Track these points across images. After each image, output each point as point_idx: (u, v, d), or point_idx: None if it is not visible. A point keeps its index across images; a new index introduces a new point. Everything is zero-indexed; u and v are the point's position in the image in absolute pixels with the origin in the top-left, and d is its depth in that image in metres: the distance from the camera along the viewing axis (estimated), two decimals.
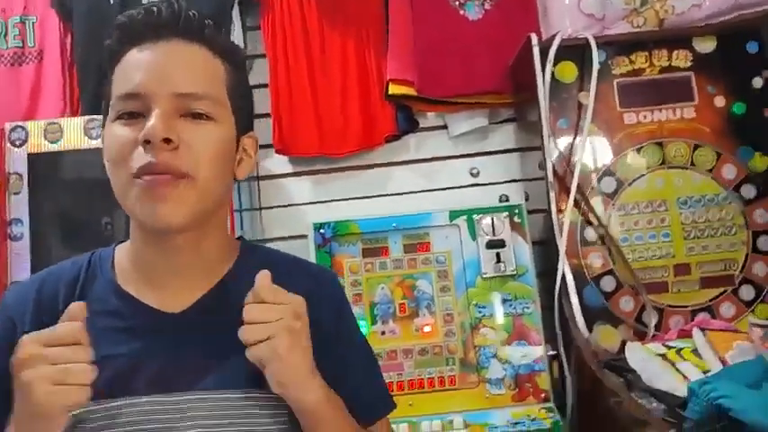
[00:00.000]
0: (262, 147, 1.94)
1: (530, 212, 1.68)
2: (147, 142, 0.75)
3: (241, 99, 0.86)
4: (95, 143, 1.57)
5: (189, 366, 0.80)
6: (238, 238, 0.95)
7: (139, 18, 0.80)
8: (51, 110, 1.81)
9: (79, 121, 1.60)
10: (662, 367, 1.31)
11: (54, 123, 1.59)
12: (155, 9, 0.80)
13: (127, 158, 0.76)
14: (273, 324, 0.74)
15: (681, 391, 1.18)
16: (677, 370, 1.29)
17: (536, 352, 1.53)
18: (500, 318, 1.56)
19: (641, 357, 1.37)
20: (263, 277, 0.76)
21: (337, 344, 0.87)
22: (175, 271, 0.83)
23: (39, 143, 1.58)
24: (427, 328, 1.56)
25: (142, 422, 0.77)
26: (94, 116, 1.62)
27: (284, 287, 0.83)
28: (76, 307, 0.68)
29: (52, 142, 1.57)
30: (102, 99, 0.84)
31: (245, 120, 0.87)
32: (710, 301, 1.57)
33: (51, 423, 0.69)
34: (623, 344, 1.49)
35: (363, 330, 1.52)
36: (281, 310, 0.75)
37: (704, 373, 1.24)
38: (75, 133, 1.58)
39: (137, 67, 0.79)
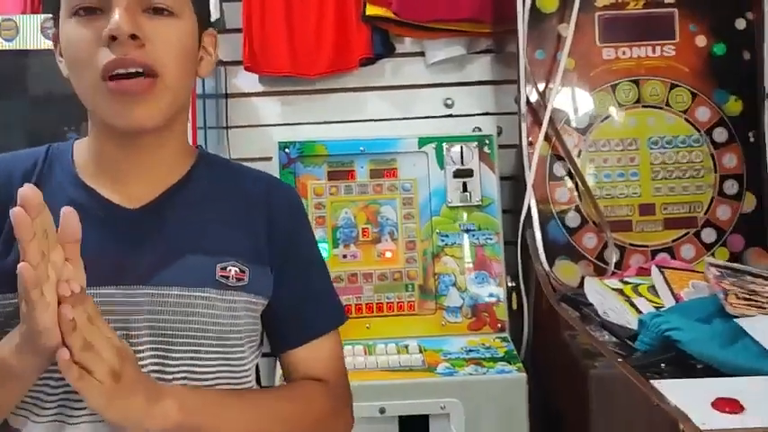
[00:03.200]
0: (231, 63, 1.91)
1: (501, 147, 1.66)
2: (112, 38, 0.72)
3: None
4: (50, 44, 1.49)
5: (144, 262, 0.79)
6: (197, 146, 0.94)
7: None
8: (9, 7, 1.71)
9: (36, 18, 1.52)
10: (617, 302, 1.32)
11: (9, 20, 1.51)
12: None
13: (92, 58, 0.73)
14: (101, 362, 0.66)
15: (634, 324, 1.19)
16: (632, 305, 1.30)
17: (495, 283, 1.53)
18: (462, 247, 1.55)
19: (598, 292, 1.38)
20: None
21: (294, 254, 0.88)
22: (136, 168, 0.82)
23: None
24: (389, 254, 1.55)
25: None
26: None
27: (238, 191, 0.85)
28: (30, 190, 0.63)
29: (6, 40, 1.49)
30: None
31: (204, 15, 0.85)
32: (672, 242, 1.58)
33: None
34: (583, 280, 1.50)
35: (324, 253, 1.52)
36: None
37: (658, 308, 1.25)
38: (31, 32, 1.50)
39: None
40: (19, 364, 0.68)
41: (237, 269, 0.82)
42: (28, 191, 0.63)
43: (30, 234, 0.62)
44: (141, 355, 0.77)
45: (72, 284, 0.65)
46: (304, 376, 0.89)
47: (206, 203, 0.84)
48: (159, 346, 0.78)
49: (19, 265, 0.62)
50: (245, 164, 0.97)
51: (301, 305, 0.88)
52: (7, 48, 1.49)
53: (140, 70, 0.74)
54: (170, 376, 0.78)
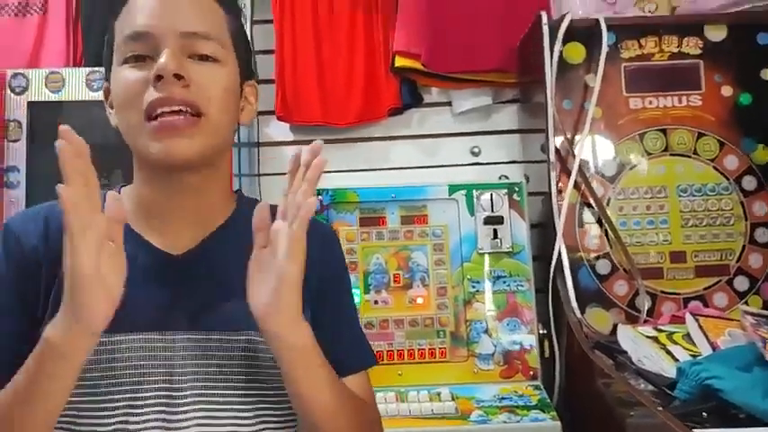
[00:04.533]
0: (264, 113, 1.96)
1: (529, 195, 1.67)
2: (158, 78, 0.76)
3: (243, 45, 0.88)
4: (96, 95, 1.55)
5: (188, 307, 0.80)
6: (236, 191, 0.96)
7: None
8: (54, 61, 1.79)
9: (82, 72, 1.59)
10: (652, 349, 1.31)
11: (56, 73, 1.58)
12: None
13: (138, 99, 0.77)
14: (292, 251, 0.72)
15: (670, 372, 1.18)
16: (668, 353, 1.29)
17: (527, 330, 1.53)
18: (493, 294, 1.55)
19: (632, 339, 1.37)
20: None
21: (328, 297, 0.89)
22: (180, 212, 0.84)
23: (39, 92, 1.56)
24: (420, 300, 1.56)
25: (137, 358, 0.78)
26: (97, 68, 1.60)
27: None
28: (66, 130, 0.68)
29: (53, 92, 1.56)
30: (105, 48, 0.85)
31: (247, 66, 0.89)
32: (704, 289, 1.57)
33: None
34: (615, 327, 1.49)
35: (356, 299, 1.53)
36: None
37: (694, 356, 1.24)
38: (76, 84, 1.57)
39: (142, 8, 0.80)
40: (66, 342, 0.68)
41: None
42: (64, 130, 0.67)
43: (72, 157, 0.66)
44: (185, 400, 0.78)
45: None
46: None
47: (248, 247, 0.84)
48: (203, 391, 0.79)
49: (59, 188, 0.65)
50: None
51: (333, 346, 0.87)
52: (54, 99, 1.56)
53: (184, 108, 0.77)
54: (215, 420, 0.79)
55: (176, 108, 0.76)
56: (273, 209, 0.80)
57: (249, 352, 0.81)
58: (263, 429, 0.82)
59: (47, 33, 1.84)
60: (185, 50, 0.79)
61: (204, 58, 0.80)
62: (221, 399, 0.80)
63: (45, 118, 1.56)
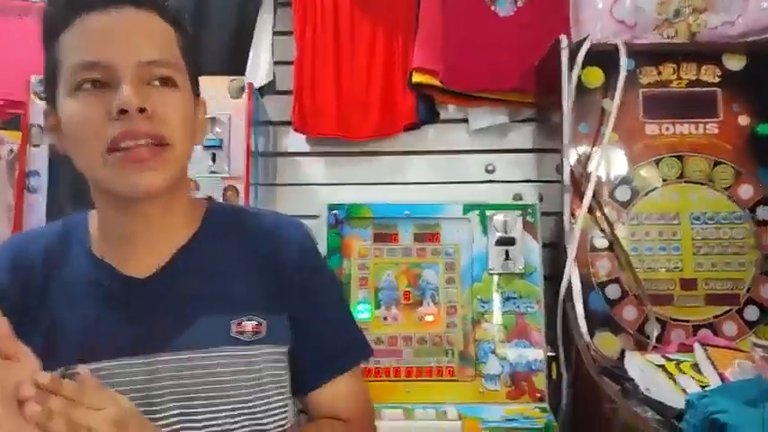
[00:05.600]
0: (281, 123, 1.98)
1: (542, 214, 1.68)
2: (122, 112, 0.74)
3: (193, 62, 0.87)
4: None
5: (158, 329, 0.81)
6: (207, 199, 0.95)
7: None
8: None
9: None
10: (660, 378, 1.31)
11: None
12: None
13: (99, 131, 0.75)
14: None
15: (677, 402, 1.18)
16: (675, 382, 1.29)
17: (535, 352, 1.54)
18: (503, 315, 1.56)
19: (640, 367, 1.38)
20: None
21: (307, 295, 0.89)
22: (143, 236, 0.84)
23: None
24: (429, 318, 1.57)
25: (115, 384, 0.77)
26: None
27: (246, 242, 0.87)
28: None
29: None
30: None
31: (196, 81, 0.88)
32: (714, 318, 1.57)
33: None
34: (623, 352, 1.49)
35: (367, 314, 1.54)
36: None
37: (702, 387, 1.24)
38: None
39: (94, 34, 0.77)
40: None
41: (254, 322, 0.83)
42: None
43: None
44: (167, 421, 0.78)
45: (23, 388, 0.62)
46: (327, 417, 0.89)
47: (216, 261, 0.86)
48: (183, 410, 0.79)
49: None
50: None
51: (318, 347, 0.88)
52: None
53: (150, 141, 0.76)
54: None
55: (141, 141, 0.75)
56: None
57: (225, 367, 0.82)
58: None
59: None
60: (144, 78, 0.77)
61: (163, 82, 0.79)
62: (203, 417, 0.80)
63: None
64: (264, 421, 0.84)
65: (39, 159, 1.57)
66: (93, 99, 0.76)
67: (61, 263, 0.83)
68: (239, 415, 0.82)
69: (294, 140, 2.00)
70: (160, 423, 0.77)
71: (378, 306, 1.58)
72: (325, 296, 0.93)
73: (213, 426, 0.80)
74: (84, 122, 0.76)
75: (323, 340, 0.89)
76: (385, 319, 1.57)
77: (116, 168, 0.75)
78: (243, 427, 0.82)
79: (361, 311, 1.54)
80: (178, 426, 0.79)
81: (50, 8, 0.81)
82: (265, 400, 0.84)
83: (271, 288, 0.87)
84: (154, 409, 0.78)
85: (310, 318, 0.88)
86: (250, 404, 0.82)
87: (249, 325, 0.83)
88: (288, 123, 1.96)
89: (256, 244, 0.88)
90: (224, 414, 0.81)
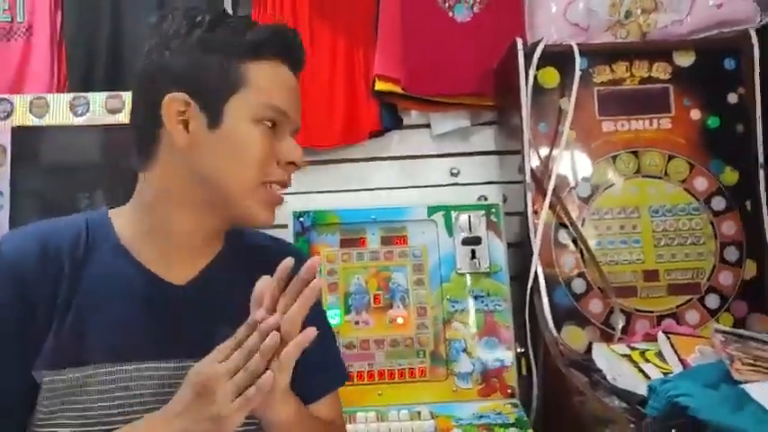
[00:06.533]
0: None
1: (507, 215, 1.71)
2: (291, 163, 0.87)
3: None
4: (80, 120, 1.57)
5: (190, 335, 0.83)
6: None
7: (287, 35, 0.89)
8: (38, 86, 1.80)
9: (65, 97, 1.60)
10: (626, 367, 1.34)
11: (40, 98, 1.59)
12: (288, 31, 0.89)
13: (264, 166, 0.85)
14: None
15: (642, 390, 1.21)
16: (640, 370, 1.32)
17: (505, 349, 1.56)
18: (472, 313, 1.58)
19: (606, 357, 1.41)
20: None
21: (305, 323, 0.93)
22: (189, 248, 0.88)
23: (24, 117, 1.58)
24: (400, 320, 1.58)
25: (149, 387, 0.80)
26: (81, 93, 1.62)
27: (262, 261, 0.89)
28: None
29: (37, 117, 1.57)
30: (150, 78, 0.85)
31: None
32: (677, 307, 1.62)
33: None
34: (590, 345, 1.53)
35: (337, 320, 1.55)
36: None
37: (666, 374, 1.28)
38: (60, 109, 1.58)
39: (282, 85, 0.88)
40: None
41: None
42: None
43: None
44: None
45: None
46: None
47: (238, 274, 0.88)
48: None
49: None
50: (261, 231, 1.02)
51: (306, 373, 0.90)
52: (38, 124, 1.57)
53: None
54: None
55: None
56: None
57: None
58: None
59: (31, 58, 1.85)
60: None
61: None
62: None
63: (29, 143, 1.58)
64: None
65: (1, 179, 1.55)
66: (269, 138, 0.85)
67: (90, 258, 0.84)
68: (253, 423, 0.86)
69: None
70: None
71: (348, 311, 1.59)
72: (319, 325, 0.97)
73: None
74: (259, 153, 0.84)
75: (312, 368, 0.92)
76: (356, 323, 1.58)
77: (263, 202, 0.86)
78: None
79: (332, 317, 1.55)
80: None
81: (248, 38, 0.85)
82: None
83: None
84: None
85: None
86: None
87: None
88: None
89: (271, 265, 0.91)
90: (245, 421, 0.83)
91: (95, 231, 0.88)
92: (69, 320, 0.76)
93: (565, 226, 1.64)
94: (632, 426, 1.12)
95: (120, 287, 0.83)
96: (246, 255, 0.94)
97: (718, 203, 1.65)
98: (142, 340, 0.79)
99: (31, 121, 1.58)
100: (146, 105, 0.84)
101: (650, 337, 1.48)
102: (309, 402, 0.94)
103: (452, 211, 1.64)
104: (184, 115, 0.83)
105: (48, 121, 1.58)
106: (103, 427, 0.78)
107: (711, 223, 1.64)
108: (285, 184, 0.88)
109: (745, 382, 1.09)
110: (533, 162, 1.67)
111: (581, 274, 1.62)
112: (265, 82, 0.85)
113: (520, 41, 1.69)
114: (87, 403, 0.78)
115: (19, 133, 1.57)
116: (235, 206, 0.85)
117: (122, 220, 0.89)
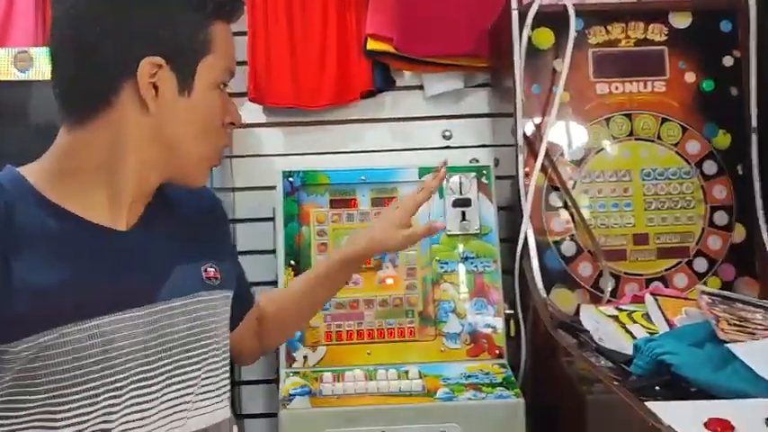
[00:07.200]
0: (236, 95, 1.95)
1: (499, 178, 1.70)
2: (231, 123, 0.88)
3: None
4: None
5: (143, 281, 0.82)
6: None
7: None
8: (22, 39, 1.76)
9: None
10: (613, 328, 1.35)
11: (24, 52, 1.56)
12: None
13: (218, 131, 0.87)
14: None
15: (629, 350, 1.22)
16: (627, 331, 1.33)
17: (493, 310, 1.57)
18: (461, 274, 1.58)
19: (594, 318, 1.42)
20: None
21: (230, 248, 1.07)
22: (127, 194, 0.85)
23: (7, 71, 1.54)
24: (389, 281, 1.58)
25: (118, 339, 0.77)
26: None
27: (191, 199, 0.95)
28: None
29: (21, 71, 1.54)
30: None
31: None
32: (665, 271, 1.62)
33: None
34: (579, 307, 1.53)
35: None
36: None
37: (652, 334, 1.29)
38: (45, 63, 1.55)
39: (233, 47, 0.87)
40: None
41: (214, 269, 0.91)
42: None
43: None
44: (164, 369, 0.82)
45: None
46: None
47: (174, 215, 0.91)
48: (176, 357, 0.83)
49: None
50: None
51: (239, 290, 1.00)
52: (22, 78, 1.54)
53: None
54: (192, 382, 0.84)
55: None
56: None
57: (205, 311, 0.88)
58: (227, 376, 0.91)
59: (15, 10, 1.81)
60: None
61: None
62: (199, 359, 0.86)
63: (13, 97, 1.55)
64: (227, 358, 0.93)
65: None
66: (222, 102, 0.86)
67: (14, 217, 0.76)
68: (222, 354, 0.90)
69: (249, 111, 1.98)
70: (159, 372, 0.81)
71: None
72: (231, 244, 1.11)
73: (208, 367, 0.87)
74: (218, 120, 0.86)
75: (241, 285, 1.02)
76: (346, 283, 1.58)
77: (205, 166, 0.88)
78: (224, 364, 0.90)
79: None
80: (178, 371, 0.83)
81: None
82: (228, 341, 0.93)
83: (215, 240, 0.96)
84: (149, 360, 0.80)
85: (233, 267, 1.01)
86: (225, 343, 0.91)
87: (212, 271, 0.91)
88: (243, 95, 1.94)
89: (201, 202, 0.97)
90: (213, 353, 0.88)
91: (12, 190, 0.78)
92: (15, 285, 0.71)
93: (556, 189, 1.64)
94: (617, 384, 1.13)
95: (59, 241, 0.77)
96: (176, 200, 0.93)
97: (710, 168, 1.65)
98: (104, 292, 0.76)
99: (15, 75, 1.55)
100: (103, 63, 0.79)
101: (638, 299, 1.49)
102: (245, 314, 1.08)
103: None
104: (154, 77, 0.80)
105: (33, 75, 1.55)
106: (73, 376, 0.75)
107: (702, 187, 1.64)
108: (227, 146, 0.92)
109: (730, 342, 1.09)
110: (526, 125, 1.66)
111: (571, 237, 1.62)
112: (226, 45, 0.85)
113: (514, 1, 1.66)
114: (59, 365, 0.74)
115: (2, 88, 1.55)
116: (186, 168, 0.87)
117: (39, 176, 0.81)
